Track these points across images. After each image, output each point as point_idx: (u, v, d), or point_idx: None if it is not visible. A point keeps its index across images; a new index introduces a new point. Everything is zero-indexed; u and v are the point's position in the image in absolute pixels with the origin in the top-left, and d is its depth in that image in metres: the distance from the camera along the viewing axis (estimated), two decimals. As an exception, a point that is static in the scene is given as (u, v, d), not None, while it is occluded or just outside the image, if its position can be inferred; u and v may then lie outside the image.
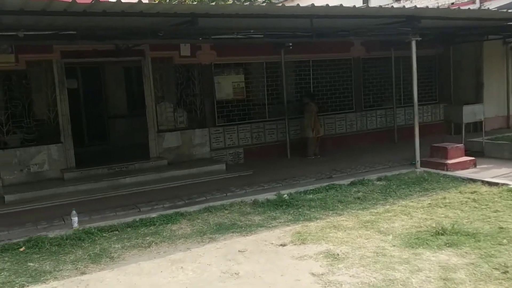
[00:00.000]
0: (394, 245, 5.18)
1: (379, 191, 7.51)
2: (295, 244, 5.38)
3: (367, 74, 13.08)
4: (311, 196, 7.38)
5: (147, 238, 5.87)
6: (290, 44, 11.03)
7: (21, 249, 5.57)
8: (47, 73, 9.56)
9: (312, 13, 7.36)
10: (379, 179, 8.31)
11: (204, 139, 10.97)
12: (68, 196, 8.68)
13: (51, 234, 5.96)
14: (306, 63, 12.21)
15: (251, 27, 8.07)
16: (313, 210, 6.68)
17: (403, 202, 6.85)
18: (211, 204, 7.11)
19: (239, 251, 5.28)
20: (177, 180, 9.58)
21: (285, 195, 7.30)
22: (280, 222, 6.24)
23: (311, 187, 7.90)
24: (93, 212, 7.60)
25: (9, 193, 8.66)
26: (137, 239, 5.86)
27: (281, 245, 5.40)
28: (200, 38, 8.17)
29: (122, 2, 5.74)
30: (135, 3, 5.86)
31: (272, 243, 5.48)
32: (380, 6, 7.78)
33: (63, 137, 9.69)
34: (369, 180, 8.21)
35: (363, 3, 17.90)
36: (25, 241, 5.76)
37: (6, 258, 5.38)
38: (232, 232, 5.93)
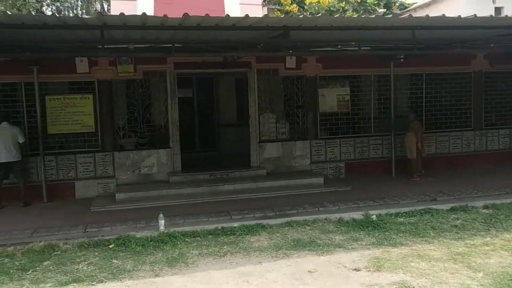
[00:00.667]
0: (482, 285, 4.61)
1: (482, 221, 6.75)
2: (369, 270, 5.06)
3: (490, 90, 11.89)
4: (402, 219, 6.90)
5: (224, 247, 5.98)
6: (401, 56, 10.52)
7: (111, 246, 6.05)
8: (161, 82, 10.29)
9: (415, 24, 6.92)
10: (485, 206, 7.48)
11: (304, 151, 10.89)
12: (170, 199, 9.25)
13: (138, 234, 6.38)
14: (419, 77, 11.50)
15: (347, 39, 7.83)
16: (401, 235, 6.24)
17: (508, 236, 6.07)
18: (293, 218, 7.02)
19: (308, 271, 5.13)
20: (273, 191, 9.65)
21: (374, 216, 6.93)
22: (360, 244, 5.93)
23: (404, 209, 7.39)
24: (188, 216, 8.00)
25: (120, 191, 9.48)
26: (215, 247, 6.00)
27: (354, 269, 5.13)
28: (296, 51, 8.15)
29: (211, 17, 5.98)
30: (224, 17, 6.06)
31: (345, 267, 5.22)
32: (491, 15, 7.00)
33: (171, 143, 10.34)
34: (473, 207, 7.43)
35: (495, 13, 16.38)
36: (115, 239, 6.24)
37: (96, 253, 5.88)
38: (308, 250, 5.78)
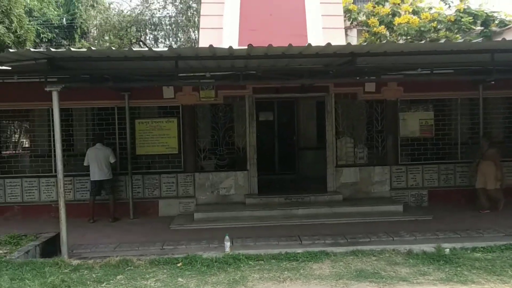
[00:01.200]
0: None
1: None
2: (430, 308, 4.80)
3: None
4: (478, 254, 6.42)
5: (285, 272, 6.00)
6: (492, 80, 9.89)
7: (179, 264, 6.34)
8: (240, 106, 10.67)
9: (493, 47, 6.54)
10: None
11: (383, 177, 10.58)
12: (244, 220, 9.47)
13: (205, 255, 6.61)
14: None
15: (418, 63, 7.55)
16: (474, 271, 5.81)
17: None
18: (359, 247, 6.83)
19: (366, 303, 4.99)
20: (349, 217, 9.49)
21: (447, 250, 6.53)
22: (427, 279, 5.63)
23: (482, 243, 6.87)
24: (260, 238, 8.16)
25: (198, 211, 9.90)
26: (276, 272, 6.04)
27: (415, 305, 4.89)
28: (370, 76, 8.04)
29: (275, 47, 6.16)
30: (287, 46, 6.21)
31: (406, 302, 5.00)
32: None
33: (249, 165, 10.61)
34: None
35: None
36: (184, 258, 6.53)
37: (165, 270, 6.20)
38: (369, 282, 5.60)
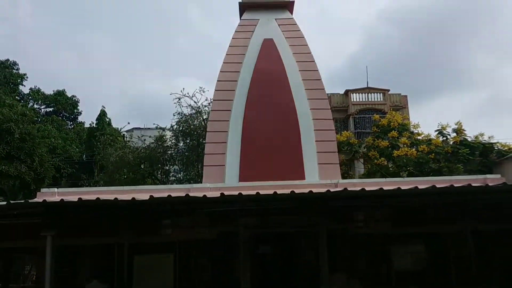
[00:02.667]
0: None
1: None
2: None
3: None
4: None
5: None
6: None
7: None
8: (235, 242, 10.92)
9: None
10: None
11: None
12: None
13: None
14: None
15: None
16: None
17: None
18: None
19: None
20: None
21: None
22: None
23: None
24: None
25: None
26: None
27: None
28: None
29: (262, 194, 6.72)
30: (272, 194, 6.76)
31: None
32: None
33: (244, 302, 10.53)
34: None
35: None
36: None
37: None
38: None
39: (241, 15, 16.17)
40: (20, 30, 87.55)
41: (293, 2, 15.97)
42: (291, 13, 16.09)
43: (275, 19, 15.73)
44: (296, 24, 15.73)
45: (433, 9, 75.18)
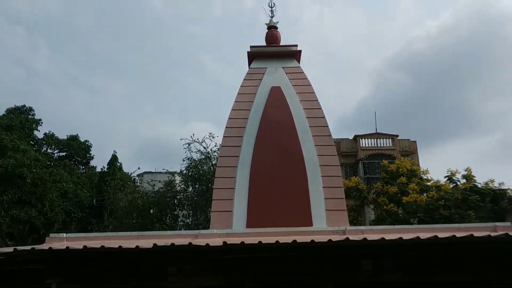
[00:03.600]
0: None
1: None
2: None
3: None
4: None
5: None
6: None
7: None
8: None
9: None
10: None
11: None
12: None
13: None
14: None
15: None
16: None
17: None
18: None
19: None
20: None
21: None
22: None
23: None
24: None
25: None
26: None
27: None
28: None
29: (264, 243, 6.75)
30: (274, 243, 6.78)
31: None
32: None
33: None
34: None
35: None
36: None
37: None
38: None
39: (249, 63, 16.59)
40: (36, 73, 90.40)
41: (300, 51, 16.38)
42: (298, 62, 16.47)
43: (283, 67, 16.09)
44: (303, 72, 16.09)
45: (443, 54, 76.23)
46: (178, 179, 23.62)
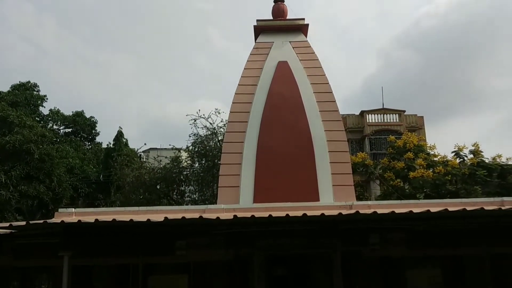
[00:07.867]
0: None
1: None
2: None
3: None
4: None
5: None
6: None
7: None
8: (250, 263, 10.94)
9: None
10: None
11: None
12: None
13: None
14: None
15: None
16: None
17: None
18: None
19: None
20: None
21: None
22: None
23: None
24: None
25: None
26: None
27: None
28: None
29: (274, 217, 6.78)
30: (285, 216, 6.81)
31: None
32: None
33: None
34: None
35: None
36: None
37: None
38: None
39: (256, 38, 16.40)
40: (43, 50, 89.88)
41: (308, 25, 16.15)
42: (306, 36, 16.25)
43: (290, 41, 15.90)
44: (310, 46, 15.88)
45: (451, 32, 75.06)
46: (184, 155, 23.65)
